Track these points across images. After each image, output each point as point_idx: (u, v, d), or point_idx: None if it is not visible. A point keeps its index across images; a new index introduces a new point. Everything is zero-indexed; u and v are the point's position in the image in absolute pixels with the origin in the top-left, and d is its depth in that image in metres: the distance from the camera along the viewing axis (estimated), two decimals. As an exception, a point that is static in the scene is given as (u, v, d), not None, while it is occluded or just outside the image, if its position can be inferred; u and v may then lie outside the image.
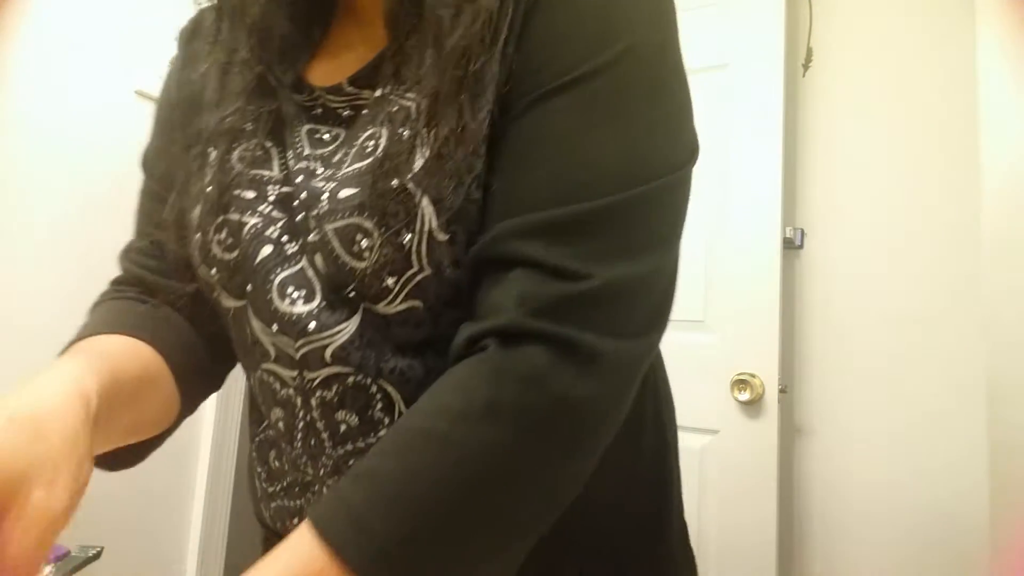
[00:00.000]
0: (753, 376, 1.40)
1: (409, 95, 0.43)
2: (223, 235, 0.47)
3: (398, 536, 0.34)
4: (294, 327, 0.44)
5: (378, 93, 0.45)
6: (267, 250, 0.45)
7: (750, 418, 1.40)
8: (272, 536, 0.52)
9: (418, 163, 0.41)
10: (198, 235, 0.48)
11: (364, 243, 0.42)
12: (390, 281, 0.42)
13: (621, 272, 0.38)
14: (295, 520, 0.48)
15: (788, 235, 1.53)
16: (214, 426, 1.27)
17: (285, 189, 0.47)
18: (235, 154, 0.49)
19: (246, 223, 0.46)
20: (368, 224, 0.41)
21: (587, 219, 0.38)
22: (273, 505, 0.50)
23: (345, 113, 0.47)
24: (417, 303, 0.42)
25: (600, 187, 0.38)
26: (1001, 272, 1.22)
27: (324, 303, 0.43)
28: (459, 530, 0.35)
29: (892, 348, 1.48)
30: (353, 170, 0.43)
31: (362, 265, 0.42)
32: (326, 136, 0.47)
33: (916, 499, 1.42)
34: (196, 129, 0.52)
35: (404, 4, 0.43)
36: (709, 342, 1.45)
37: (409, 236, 0.41)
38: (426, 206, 0.41)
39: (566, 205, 0.38)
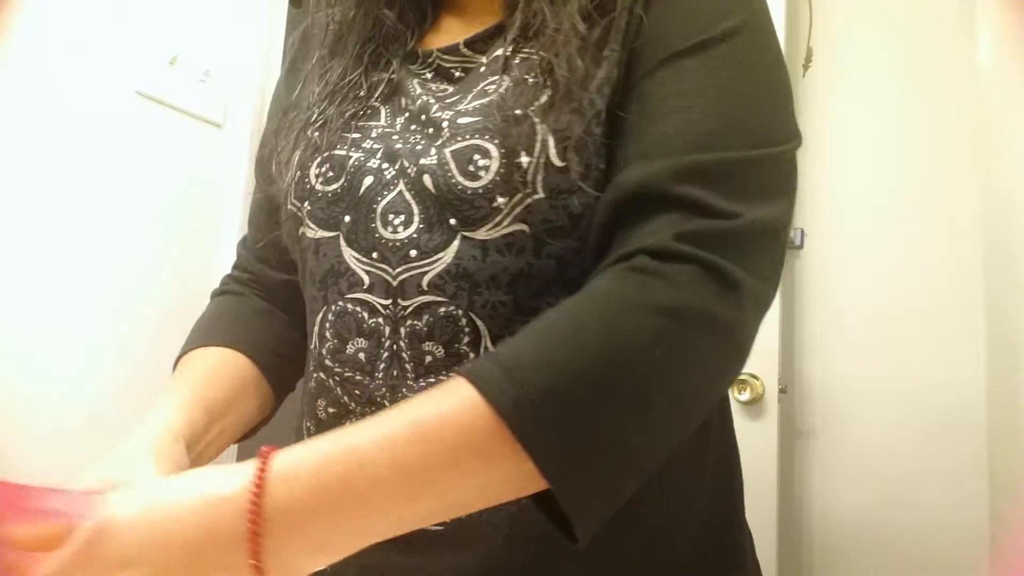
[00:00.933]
0: (753, 376, 1.40)
1: (528, 51, 0.47)
2: (324, 168, 0.51)
3: (543, 387, 0.35)
4: (395, 254, 0.47)
5: (497, 53, 0.49)
6: (369, 180, 0.49)
7: (750, 418, 1.40)
8: None
9: (541, 99, 0.45)
10: (296, 172, 0.52)
11: (481, 163, 0.45)
12: (501, 201, 0.44)
13: (762, 215, 0.41)
14: None
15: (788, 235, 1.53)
16: (214, 426, 1.27)
17: (388, 131, 0.50)
18: (344, 109, 0.53)
19: (351, 157, 0.50)
20: (488, 145, 0.45)
21: (732, 165, 0.42)
22: None
23: (457, 73, 0.52)
24: (523, 227, 0.45)
25: (736, 138, 0.42)
26: (1002, 272, 1.22)
27: (423, 227, 0.46)
28: (602, 400, 0.37)
29: (892, 348, 1.48)
30: (473, 105, 0.47)
31: (475, 185, 0.45)
32: (443, 86, 0.52)
33: (916, 500, 1.42)
34: (305, 101, 0.56)
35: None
36: (709, 342, 1.45)
37: (527, 159, 0.44)
38: (545, 134, 0.44)
39: (709, 151, 0.42)
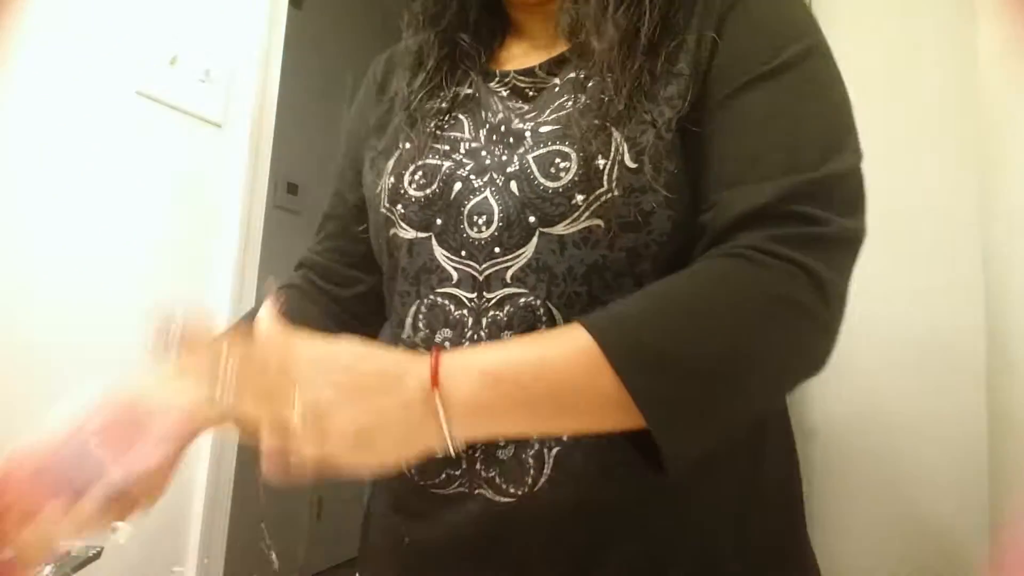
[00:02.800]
0: (753, 376, 1.40)
1: (596, 73, 0.53)
2: (418, 176, 0.57)
3: (650, 338, 0.42)
4: (481, 251, 0.53)
5: (571, 76, 0.56)
6: (458, 185, 0.55)
7: (750, 418, 1.39)
8: (378, 511, 0.63)
9: (613, 112, 0.51)
10: (390, 179, 0.59)
11: (562, 165, 0.51)
12: (579, 198, 0.50)
13: (847, 224, 0.47)
14: None
15: (788, 235, 1.53)
16: (214, 426, 1.27)
17: (475, 145, 0.57)
18: (431, 122, 0.60)
19: (442, 165, 0.57)
20: (568, 150, 0.51)
21: (820, 182, 0.47)
22: None
23: (531, 93, 0.58)
24: (598, 222, 0.50)
25: (819, 155, 0.48)
26: (1002, 271, 1.22)
27: (501, 225, 0.52)
28: (700, 357, 0.43)
29: (892, 348, 1.48)
30: (553, 116, 0.54)
31: (556, 184, 0.51)
32: (520, 104, 0.58)
33: (916, 500, 1.42)
34: (393, 117, 0.64)
35: (576, 23, 0.55)
36: (709, 342, 1.45)
37: (603, 161, 0.50)
38: (620, 141, 0.50)
39: (798, 172, 0.47)
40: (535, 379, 0.42)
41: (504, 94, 0.59)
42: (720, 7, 0.53)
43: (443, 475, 0.55)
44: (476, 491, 0.53)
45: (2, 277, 1.01)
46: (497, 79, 0.61)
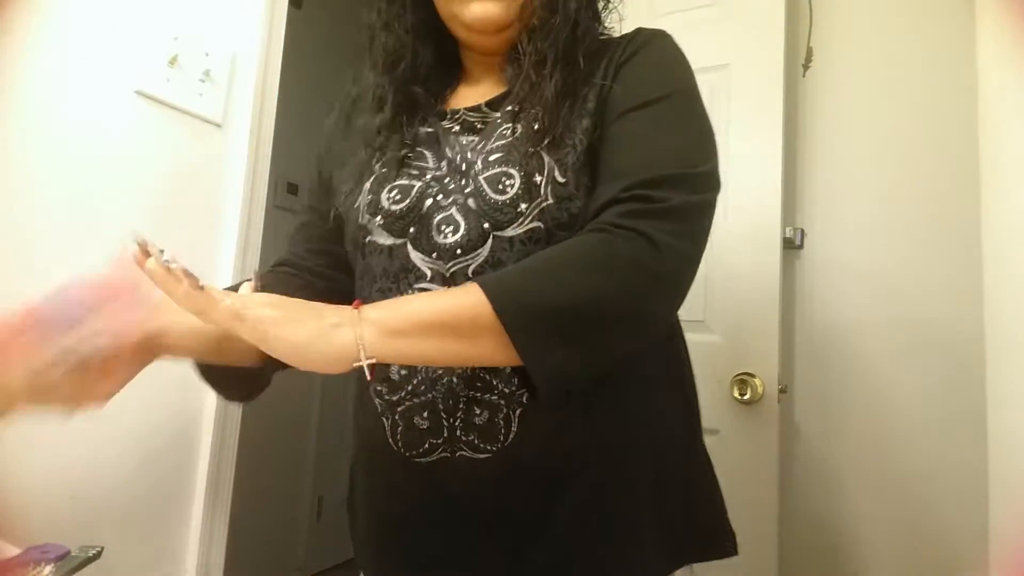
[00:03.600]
0: (753, 376, 1.40)
1: (529, 108, 0.69)
2: (394, 193, 0.72)
3: (521, 285, 0.57)
4: (447, 254, 0.67)
5: (508, 109, 0.72)
6: (429, 202, 0.70)
7: (750, 418, 1.39)
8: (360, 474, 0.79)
9: (544, 141, 0.67)
10: (368, 196, 0.73)
11: (508, 182, 0.67)
12: (523, 207, 0.65)
13: (685, 199, 0.61)
14: (425, 414, 0.67)
15: (788, 235, 1.53)
16: (214, 426, 1.27)
17: (439, 173, 0.71)
18: (400, 152, 0.74)
19: (414, 185, 0.71)
20: (512, 171, 0.67)
21: (665, 178, 0.62)
22: (399, 410, 0.69)
23: (479, 126, 0.74)
24: (539, 224, 0.65)
25: (668, 162, 0.64)
26: (1002, 271, 1.22)
27: (465, 234, 0.66)
28: (558, 297, 0.57)
29: (892, 348, 1.48)
30: (497, 144, 0.70)
31: (504, 197, 0.66)
32: (469, 137, 0.73)
33: (916, 500, 1.42)
34: (363, 150, 0.77)
35: (520, 74, 0.71)
36: (709, 342, 1.45)
37: (539, 177, 0.66)
38: (550, 161, 0.67)
39: (648, 171, 0.62)
40: (432, 311, 0.56)
41: (456, 130, 0.75)
42: (619, 60, 0.71)
43: (426, 444, 0.68)
44: (457, 454, 0.67)
45: (2, 277, 1.01)
46: (449, 117, 0.76)
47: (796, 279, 1.59)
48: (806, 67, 1.63)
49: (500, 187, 0.66)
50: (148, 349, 0.61)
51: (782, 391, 1.41)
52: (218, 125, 1.32)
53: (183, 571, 1.26)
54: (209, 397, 1.26)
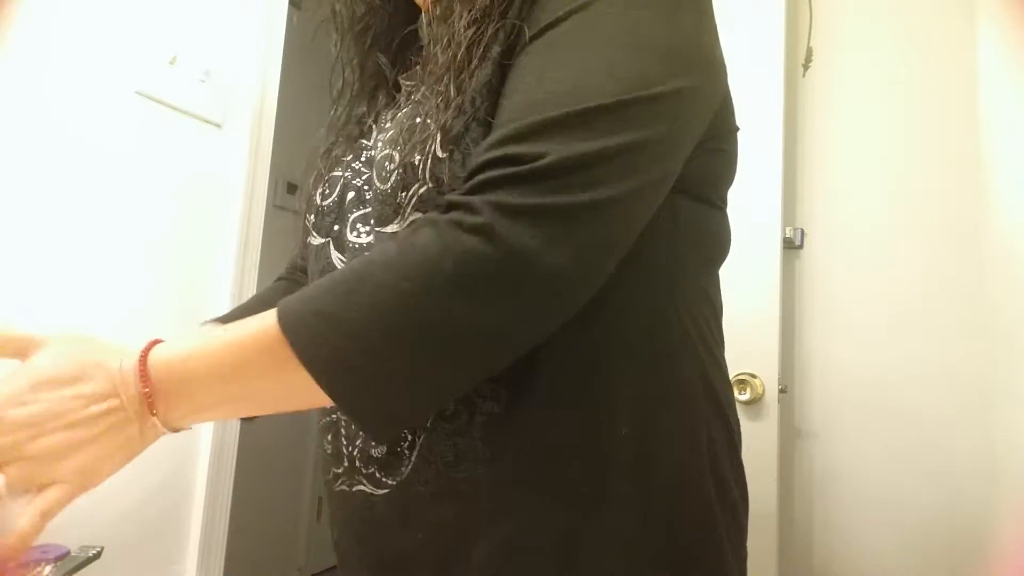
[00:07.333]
0: (753, 376, 1.40)
1: (428, 67, 0.55)
2: (325, 187, 0.62)
3: (325, 311, 0.43)
4: (357, 254, 0.55)
5: (411, 83, 0.61)
6: (351, 195, 0.58)
7: (750, 418, 1.40)
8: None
9: (431, 104, 0.51)
10: (309, 192, 0.64)
11: (389, 167, 0.53)
12: (402, 196, 0.51)
13: (570, 151, 0.43)
14: (329, 437, 0.57)
15: (788, 235, 1.53)
16: (214, 426, 1.27)
17: (372, 153, 0.59)
18: (350, 134, 0.64)
19: (341, 177, 0.60)
20: (394, 152, 0.53)
21: (545, 123, 0.44)
22: (319, 426, 0.59)
23: (405, 98, 0.61)
24: (419, 215, 0.50)
25: (558, 100, 0.44)
26: (1002, 272, 1.22)
27: (370, 232, 0.55)
28: (365, 324, 0.42)
29: (892, 348, 1.48)
30: (389, 124, 0.58)
31: (385, 187, 0.53)
32: (394, 112, 0.61)
33: (916, 500, 1.42)
34: (327, 138, 0.67)
35: (431, 37, 0.55)
36: (709, 342, 1.45)
37: (419, 157, 0.50)
38: (435, 131, 0.50)
39: (527, 117, 0.44)
40: (225, 353, 0.45)
41: (394, 105, 0.63)
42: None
43: (330, 473, 0.57)
44: (355, 488, 0.55)
45: (2, 277, 1.01)
46: (401, 91, 0.63)
47: (796, 279, 1.59)
48: (806, 67, 1.62)
49: (384, 174, 0.53)
50: None
51: (782, 391, 1.41)
52: (218, 125, 1.32)
53: (183, 571, 1.26)
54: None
